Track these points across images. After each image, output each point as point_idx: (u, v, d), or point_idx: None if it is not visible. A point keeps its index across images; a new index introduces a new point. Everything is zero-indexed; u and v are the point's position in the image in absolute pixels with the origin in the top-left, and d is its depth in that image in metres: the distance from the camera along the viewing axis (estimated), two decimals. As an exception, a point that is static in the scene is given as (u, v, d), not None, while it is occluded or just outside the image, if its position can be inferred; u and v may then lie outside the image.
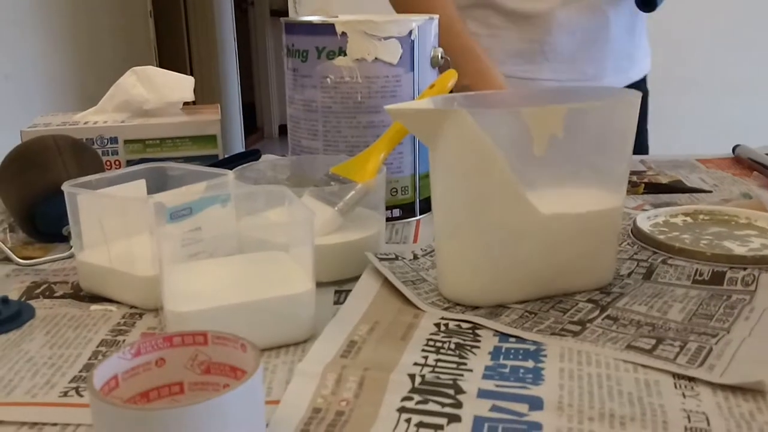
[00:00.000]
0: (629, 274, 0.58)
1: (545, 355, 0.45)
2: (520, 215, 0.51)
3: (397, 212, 0.73)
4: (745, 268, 0.57)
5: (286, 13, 3.01)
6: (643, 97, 1.11)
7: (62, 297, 0.55)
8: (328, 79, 0.69)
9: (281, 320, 0.47)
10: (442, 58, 0.74)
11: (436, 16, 0.73)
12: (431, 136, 0.51)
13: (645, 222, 0.68)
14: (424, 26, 0.71)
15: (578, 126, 0.51)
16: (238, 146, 4.17)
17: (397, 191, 0.73)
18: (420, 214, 0.75)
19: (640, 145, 1.15)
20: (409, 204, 0.74)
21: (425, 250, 0.62)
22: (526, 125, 0.50)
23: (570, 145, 0.51)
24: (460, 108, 0.49)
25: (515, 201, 0.51)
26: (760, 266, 0.58)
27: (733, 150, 0.94)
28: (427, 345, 0.47)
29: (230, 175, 0.57)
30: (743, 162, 0.90)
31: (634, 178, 0.84)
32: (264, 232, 0.53)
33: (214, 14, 4.09)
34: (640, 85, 1.13)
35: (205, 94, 4.05)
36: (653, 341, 0.46)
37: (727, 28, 1.88)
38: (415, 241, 0.68)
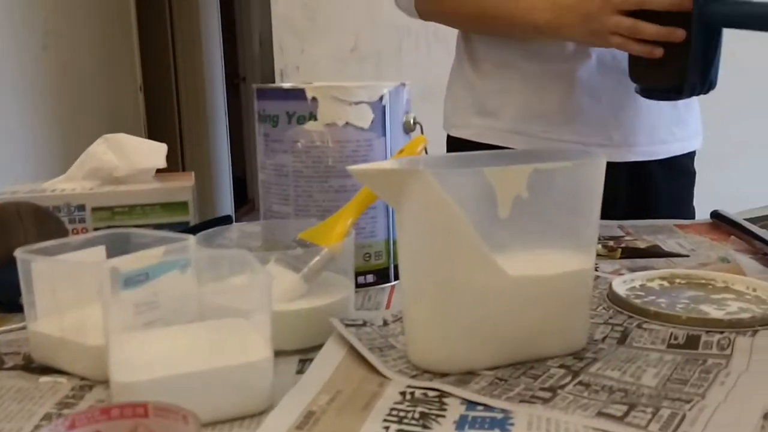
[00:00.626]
0: (603, 339, 0.57)
1: (512, 424, 0.43)
2: (488, 278, 0.50)
3: (370, 278, 0.72)
4: (721, 332, 0.56)
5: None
6: (689, 175, 1.10)
7: (12, 368, 0.53)
8: (299, 144, 0.69)
9: (236, 390, 0.45)
10: (414, 123, 0.74)
11: (407, 83, 0.73)
12: (395, 198, 0.50)
13: (621, 286, 0.67)
14: (395, 92, 0.71)
15: (544, 186, 0.51)
16: (228, 219, 4.15)
17: (370, 256, 0.71)
18: (394, 280, 0.73)
19: (689, 200, 1.11)
20: (383, 269, 0.72)
21: (396, 315, 0.60)
22: (490, 185, 0.49)
23: (536, 205, 0.51)
24: (422, 168, 0.48)
25: (482, 263, 0.49)
26: (737, 330, 0.56)
27: (711, 215, 0.93)
28: (389, 415, 0.45)
29: (191, 239, 0.56)
30: (721, 227, 0.90)
31: (612, 243, 0.83)
32: (223, 298, 0.52)
33: (205, 88, 4.15)
34: (683, 161, 1.07)
35: (195, 167, 4.07)
36: (625, 408, 0.44)
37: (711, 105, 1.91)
38: (387, 307, 0.66)
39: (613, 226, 0.94)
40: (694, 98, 1.05)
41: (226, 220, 0.83)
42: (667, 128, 1.03)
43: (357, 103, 0.69)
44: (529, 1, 0.93)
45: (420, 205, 0.49)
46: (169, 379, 0.44)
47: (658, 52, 0.82)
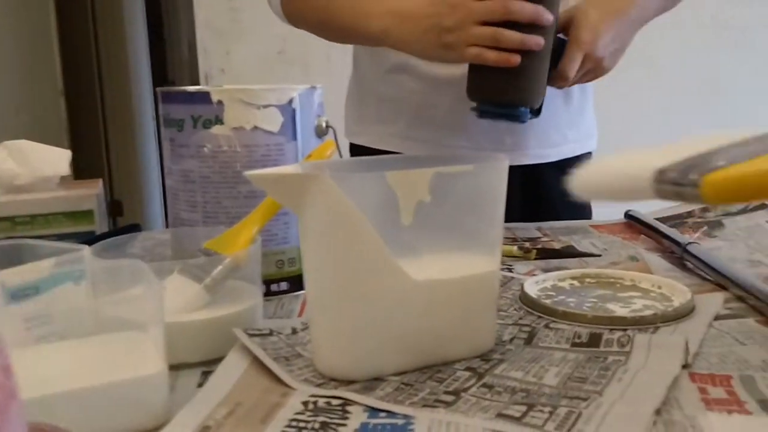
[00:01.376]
0: (511, 340, 0.57)
1: (412, 431, 0.43)
2: (392, 283, 0.49)
3: (284, 285, 0.70)
4: (624, 329, 0.57)
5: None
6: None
7: None
8: (206, 149, 0.67)
9: (128, 406, 0.43)
10: (327, 126, 0.73)
11: (319, 86, 0.72)
12: (297, 203, 0.49)
13: (533, 287, 0.68)
14: (305, 95, 0.70)
15: (446, 190, 0.50)
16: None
17: (283, 263, 0.70)
18: (309, 287, 0.72)
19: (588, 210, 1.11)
20: (296, 276, 0.71)
21: (306, 324, 0.59)
22: (393, 189, 0.49)
23: (439, 209, 0.50)
24: (323, 173, 0.48)
25: (386, 268, 0.49)
26: (639, 327, 0.57)
27: (625, 215, 0.95)
28: (288, 426, 0.43)
29: (85, 250, 0.54)
30: (633, 227, 0.92)
31: (527, 245, 0.84)
32: (119, 311, 0.50)
33: (131, 93, 4.05)
34: (577, 163, 1.07)
35: (122, 174, 3.97)
36: (524, 408, 0.44)
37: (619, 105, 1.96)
38: (300, 315, 0.65)
39: (531, 228, 0.95)
40: (590, 99, 1.08)
41: (133, 229, 0.80)
42: (560, 131, 1.04)
43: (265, 107, 0.67)
44: (366, 7, 0.89)
45: (322, 210, 0.48)
46: (57, 396, 0.42)
47: (515, 59, 0.80)
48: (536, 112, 0.86)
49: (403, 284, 0.49)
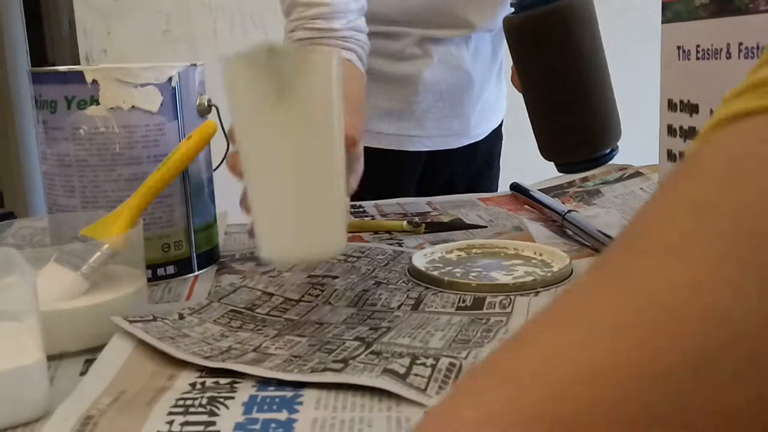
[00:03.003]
0: (399, 306, 0.58)
1: (301, 403, 0.43)
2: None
3: (171, 269, 0.69)
4: (506, 295, 0.59)
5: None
6: (498, 138, 1.17)
7: None
8: (81, 131, 0.65)
9: (6, 399, 0.41)
10: (209, 105, 0.71)
11: (200, 64, 0.71)
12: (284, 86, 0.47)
13: (421, 259, 0.69)
14: (185, 72, 0.68)
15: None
16: (42, 213, 3.87)
17: (169, 247, 0.68)
18: (198, 270, 0.71)
19: (491, 183, 1.19)
20: (184, 260, 0.69)
21: (193, 308, 0.58)
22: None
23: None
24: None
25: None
26: (521, 292, 0.60)
27: (510, 187, 0.99)
28: (175, 406, 0.43)
29: (-52, 239, 0.51)
30: (519, 198, 0.95)
31: (417, 219, 0.85)
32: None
33: (7, 75, 3.81)
34: (498, 129, 1.18)
35: (1, 161, 3.74)
36: (408, 361, 0.45)
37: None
38: (188, 298, 0.64)
39: (422, 203, 0.97)
40: (503, 67, 1.14)
41: (7, 217, 0.76)
42: (491, 106, 1.13)
43: (143, 86, 0.65)
44: None
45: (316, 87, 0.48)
46: None
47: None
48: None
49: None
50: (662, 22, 0.59)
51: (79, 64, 2.20)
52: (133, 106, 0.65)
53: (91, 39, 2.16)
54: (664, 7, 0.59)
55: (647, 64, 2.13)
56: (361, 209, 0.94)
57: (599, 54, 0.77)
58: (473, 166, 1.15)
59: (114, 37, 2.16)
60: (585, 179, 1.01)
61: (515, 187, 0.98)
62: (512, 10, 0.78)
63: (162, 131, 0.67)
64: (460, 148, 1.10)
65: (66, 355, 0.51)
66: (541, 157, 0.83)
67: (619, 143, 0.80)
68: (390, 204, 0.97)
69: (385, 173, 1.06)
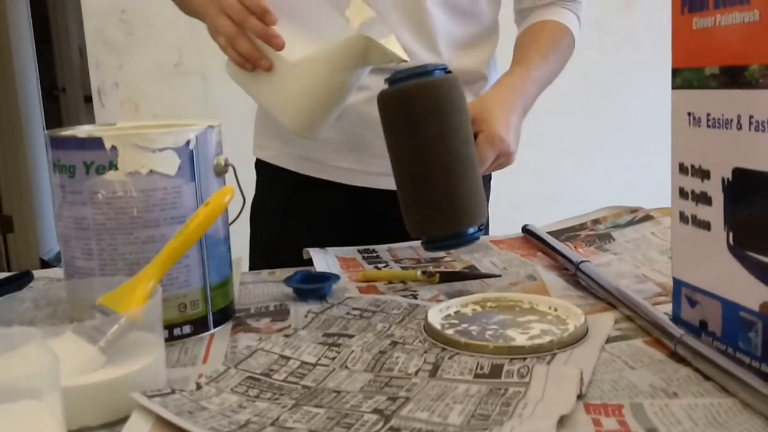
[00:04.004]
0: (416, 372, 0.59)
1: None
2: None
3: (187, 329, 0.69)
4: (523, 359, 0.59)
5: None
6: (486, 182, 1.13)
7: None
8: (100, 195, 0.66)
9: (27, 486, 0.42)
10: (226, 165, 0.72)
11: (217, 124, 0.72)
12: None
13: (437, 315, 0.70)
14: (203, 135, 0.69)
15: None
16: (53, 239, 3.90)
17: (186, 306, 0.69)
18: (214, 327, 0.71)
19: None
20: (200, 318, 0.70)
21: (210, 376, 0.58)
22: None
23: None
24: None
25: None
26: (537, 355, 0.60)
27: (522, 230, 0.99)
28: (197, 492, 0.43)
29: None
30: (531, 241, 0.96)
31: (431, 268, 0.86)
32: (8, 379, 0.48)
33: (18, 100, 3.85)
34: None
35: (12, 187, 3.77)
36: None
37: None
38: (205, 361, 0.64)
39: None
40: None
41: (24, 277, 0.77)
42: None
43: (161, 150, 0.66)
44: None
45: None
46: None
47: (249, 67, 0.83)
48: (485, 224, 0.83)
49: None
50: (672, 88, 0.60)
51: (90, 94, 2.23)
52: (151, 171, 0.66)
53: (103, 72, 2.19)
54: (674, 73, 0.59)
55: (658, 98, 2.13)
56: (375, 254, 0.95)
57: (460, 135, 0.78)
58: None
59: (126, 71, 2.19)
60: (596, 222, 1.01)
61: (527, 230, 0.98)
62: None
63: (179, 193, 0.67)
64: None
65: (85, 430, 0.52)
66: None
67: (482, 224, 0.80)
68: (403, 248, 0.97)
69: (320, 202, 1.06)
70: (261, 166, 1.13)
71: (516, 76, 0.97)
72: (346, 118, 1.01)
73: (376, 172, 1.04)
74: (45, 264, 3.70)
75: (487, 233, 1.13)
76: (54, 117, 4.56)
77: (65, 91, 4.77)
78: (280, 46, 0.80)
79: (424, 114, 0.77)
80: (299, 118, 0.85)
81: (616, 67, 2.41)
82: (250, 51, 0.82)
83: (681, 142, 0.60)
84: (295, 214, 1.09)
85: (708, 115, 0.56)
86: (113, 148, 0.65)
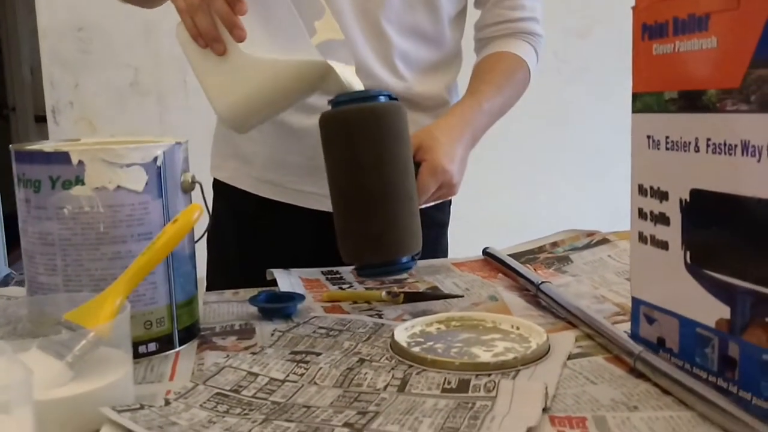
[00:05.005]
0: (385, 387, 0.59)
1: (296, 501, 0.43)
2: None
3: (152, 346, 0.69)
4: (489, 374, 0.60)
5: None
6: (440, 226, 1.12)
7: None
8: (65, 210, 0.65)
9: (-5, 502, 0.41)
10: (193, 182, 0.72)
11: (184, 141, 0.72)
12: None
13: (402, 333, 0.70)
14: (170, 151, 0.69)
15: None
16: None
17: (152, 324, 0.69)
18: (180, 345, 0.71)
19: (443, 249, 1.16)
20: (166, 336, 0.70)
21: (179, 392, 0.58)
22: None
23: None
24: None
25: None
26: (502, 371, 0.61)
27: (483, 252, 1.01)
28: (169, 506, 0.43)
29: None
30: (491, 264, 0.97)
31: (395, 289, 0.87)
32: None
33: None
34: (432, 214, 1.09)
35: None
36: None
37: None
38: (171, 378, 0.64)
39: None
40: None
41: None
42: None
43: (129, 165, 0.66)
44: None
45: None
46: None
47: (201, 43, 0.78)
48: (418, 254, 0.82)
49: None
50: (633, 111, 0.63)
51: (41, 114, 2.19)
52: (118, 186, 0.65)
53: (58, 91, 2.16)
54: (634, 97, 0.62)
55: (608, 122, 2.20)
56: (338, 275, 0.95)
57: (399, 165, 0.78)
58: None
59: (81, 90, 2.16)
60: (555, 245, 1.04)
61: (488, 253, 1.00)
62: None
63: (146, 210, 0.67)
64: None
65: (52, 446, 0.51)
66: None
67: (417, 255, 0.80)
68: (366, 270, 0.98)
69: (279, 225, 1.05)
70: (219, 186, 1.12)
71: (466, 106, 0.98)
72: (306, 141, 1.01)
73: None
74: (-11, 287, 3.57)
75: (446, 256, 1.15)
76: (4, 136, 4.46)
77: (15, 110, 4.67)
78: (240, 39, 0.77)
79: (362, 140, 0.76)
80: (233, 111, 0.81)
81: (572, 93, 2.48)
82: (208, 29, 0.77)
83: (640, 164, 0.62)
84: (254, 235, 1.09)
85: (667, 137, 0.58)
86: (80, 162, 0.65)
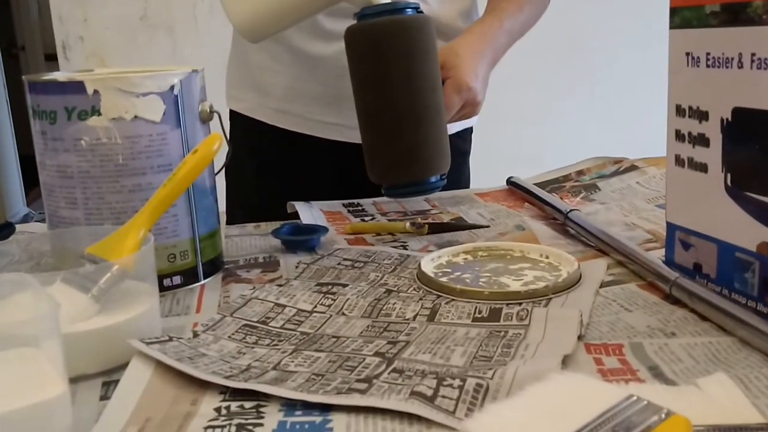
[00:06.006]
0: (414, 317, 0.58)
1: (331, 429, 0.43)
2: None
3: (177, 279, 0.68)
4: (520, 303, 0.59)
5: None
6: (462, 154, 1.09)
7: None
8: (83, 142, 0.63)
9: (29, 433, 0.41)
10: (211, 111, 0.70)
11: (201, 69, 0.69)
12: None
13: (429, 264, 0.69)
14: (187, 80, 0.67)
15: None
16: (18, 203, 3.81)
17: (175, 257, 0.68)
18: (204, 278, 0.70)
19: (465, 178, 1.14)
20: (190, 269, 0.69)
21: (206, 324, 0.57)
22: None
23: None
24: None
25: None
26: (533, 299, 0.60)
27: (507, 182, 0.99)
28: (204, 436, 0.43)
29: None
30: (516, 194, 0.95)
31: (419, 219, 0.85)
32: (5, 326, 0.46)
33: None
34: (453, 141, 1.00)
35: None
36: (434, 383, 0.45)
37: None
38: (198, 310, 0.63)
39: (420, 200, 0.96)
40: None
41: (6, 228, 0.75)
42: None
43: (145, 95, 0.64)
44: None
45: None
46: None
47: None
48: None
49: None
50: (670, 28, 0.59)
51: (51, 52, 2.16)
52: (135, 116, 0.64)
53: (67, 26, 2.12)
54: (672, 12, 0.59)
55: (639, 63, 2.13)
56: (360, 207, 0.94)
57: (429, 80, 0.75)
58: None
59: (90, 24, 2.12)
60: (581, 173, 1.01)
61: (512, 182, 0.98)
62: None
63: (165, 141, 0.65)
64: None
65: (81, 378, 0.51)
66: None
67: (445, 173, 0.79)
68: (389, 201, 0.96)
69: (299, 157, 1.03)
70: (236, 117, 1.09)
71: (487, 24, 0.94)
72: (326, 69, 0.98)
73: (356, 126, 1.01)
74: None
75: (468, 186, 1.13)
76: (14, 76, 4.42)
77: (24, 49, 4.62)
78: None
79: (391, 54, 0.73)
80: (249, 16, 0.78)
81: (598, 16, 2.40)
82: None
83: (678, 83, 0.59)
84: (272, 168, 1.07)
85: (708, 54, 0.55)
86: (95, 92, 0.63)
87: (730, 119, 0.54)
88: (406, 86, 0.74)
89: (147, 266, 0.56)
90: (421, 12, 0.76)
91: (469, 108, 0.86)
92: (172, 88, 0.65)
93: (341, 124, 1.02)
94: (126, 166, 0.64)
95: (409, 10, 0.74)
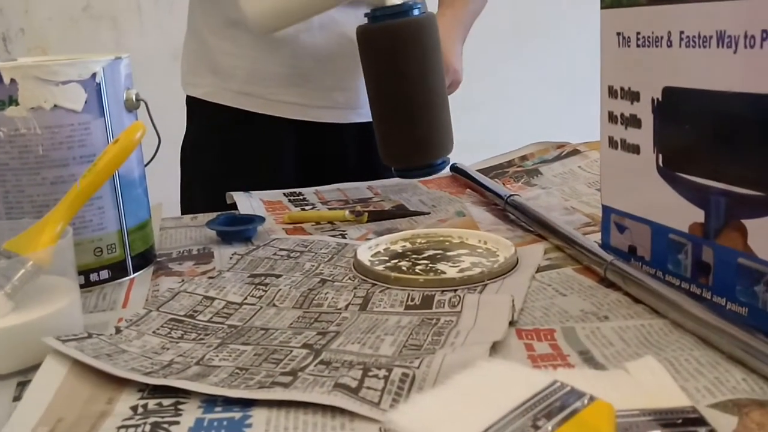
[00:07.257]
0: (346, 307, 0.57)
1: (250, 425, 0.41)
2: None
3: (105, 274, 0.66)
4: (454, 290, 0.58)
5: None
6: None
7: None
8: (0, 133, 0.60)
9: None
10: (137, 100, 0.68)
11: (125, 56, 0.67)
12: None
13: (366, 253, 0.68)
14: (110, 67, 0.64)
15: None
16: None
17: (102, 251, 0.65)
18: (134, 272, 0.68)
19: None
20: (118, 263, 0.66)
21: (130, 320, 0.55)
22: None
23: None
24: None
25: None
26: (468, 286, 0.59)
27: (450, 168, 0.98)
28: (116, 435, 0.41)
29: None
30: (459, 180, 0.94)
31: (359, 207, 0.84)
32: None
33: None
34: None
35: None
36: (359, 374, 0.44)
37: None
38: (124, 305, 0.61)
39: (363, 188, 0.95)
40: None
41: None
42: None
43: (65, 83, 0.61)
44: None
45: None
46: None
47: None
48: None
49: None
50: (601, 8, 0.59)
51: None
52: (55, 105, 0.61)
53: (8, 17, 2.05)
54: (603, -8, 0.58)
55: (578, 41, 2.14)
56: (301, 197, 0.92)
57: (439, 72, 0.82)
58: (369, 150, 1.02)
59: (32, 15, 2.06)
60: (524, 158, 1.01)
61: (455, 168, 0.97)
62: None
63: (88, 130, 0.63)
64: (351, 124, 1.05)
65: (-4, 379, 0.48)
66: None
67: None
68: (330, 190, 0.95)
69: (261, 138, 1.03)
70: (193, 103, 1.07)
71: (457, 7, 1.01)
72: (286, 50, 0.98)
73: (318, 105, 1.02)
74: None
75: None
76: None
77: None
78: None
79: (410, 52, 0.79)
80: (268, 11, 0.86)
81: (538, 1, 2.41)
82: None
83: (610, 64, 0.59)
84: (233, 151, 1.05)
85: (638, 34, 0.55)
86: (12, 81, 0.60)
87: (660, 99, 0.54)
88: (422, 81, 0.80)
89: (65, 260, 0.54)
90: (426, 11, 0.82)
91: (453, 87, 0.94)
92: (93, 75, 0.63)
93: (304, 104, 1.02)
94: (47, 158, 0.61)
95: (416, 10, 0.80)
